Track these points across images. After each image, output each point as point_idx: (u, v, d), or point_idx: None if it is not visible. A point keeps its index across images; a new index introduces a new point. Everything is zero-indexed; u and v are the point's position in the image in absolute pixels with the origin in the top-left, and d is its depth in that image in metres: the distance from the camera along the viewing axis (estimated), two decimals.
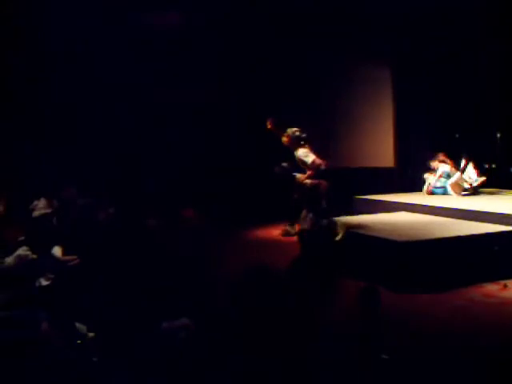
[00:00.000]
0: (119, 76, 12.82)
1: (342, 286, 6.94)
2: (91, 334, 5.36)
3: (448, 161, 11.62)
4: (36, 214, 7.03)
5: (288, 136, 10.10)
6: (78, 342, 5.24)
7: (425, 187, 11.81)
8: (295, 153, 10.01)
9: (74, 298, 5.74)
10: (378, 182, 12.17)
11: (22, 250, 5.92)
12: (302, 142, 10.23)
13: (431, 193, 11.58)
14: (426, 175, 11.84)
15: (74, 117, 12.86)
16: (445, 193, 11.42)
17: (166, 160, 13.01)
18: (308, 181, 9.53)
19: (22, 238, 6.23)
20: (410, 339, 5.60)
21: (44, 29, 12.37)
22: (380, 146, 13.73)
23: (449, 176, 11.42)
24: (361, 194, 11.54)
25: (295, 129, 10.09)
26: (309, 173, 9.66)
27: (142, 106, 13.43)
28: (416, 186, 12.04)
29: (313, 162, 9.66)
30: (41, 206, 7.12)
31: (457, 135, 12.04)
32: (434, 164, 11.70)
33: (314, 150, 10.10)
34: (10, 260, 5.88)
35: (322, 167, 9.82)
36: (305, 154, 9.81)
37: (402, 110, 13.59)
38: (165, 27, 13.39)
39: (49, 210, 7.10)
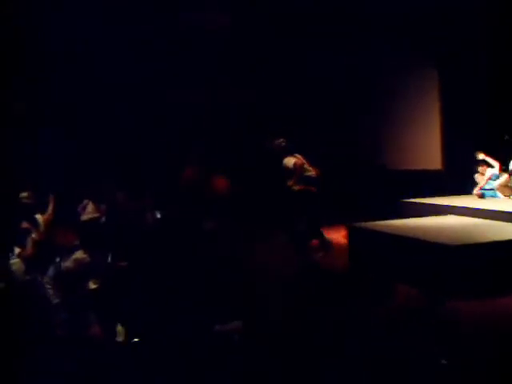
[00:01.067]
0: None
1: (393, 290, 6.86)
2: (136, 339, 5.33)
3: (490, 159, 11.45)
4: (85, 218, 6.90)
5: (275, 146, 9.98)
6: (135, 340, 5.27)
7: (474, 190, 11.64)
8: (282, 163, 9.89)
9: (118, 301, 5.69)
10: (425, 185, 12.00)
11: (79, 254, 5.84)
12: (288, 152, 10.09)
13: (481, 195, 11.44)
14: (476, 176, 11.70)
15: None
16: (495, 195, 11.22)
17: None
18: (296, 187, 9.45)
19: (77, 241, 6.13)
20: (461, 345, 5.43)
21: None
22: (427, 149, 13.65)
23: (498, 178, 11.29)
24: (408, 196, 11.38)
25: (281, 139, 9.96)
26: (294, 177, 9.57)
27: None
28: (464, 188, 11.87)
29: (294, 163, 9.58)
30: (89, 211, 6.99)
31: (506, 136, 11.70)
32: (482, 169, 11.57)
33: (307, 159, 9.99)
34: (68, 263, 5.81)
35: (313, 174, 9.73)
36: (287, 161, 9.70)
37: (448, 111, 13.50)
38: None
39: (97, 215, 6.98)
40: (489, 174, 11.36)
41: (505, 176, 11.12)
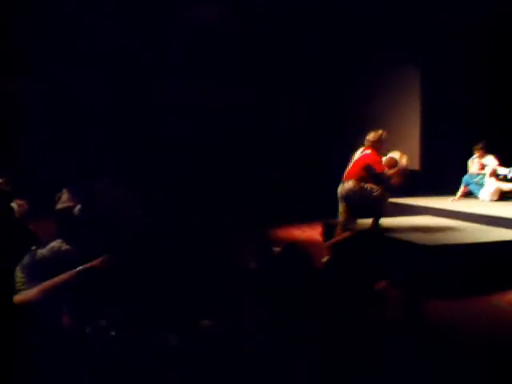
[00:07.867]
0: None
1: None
2: (112, 332, 5.27)
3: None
4: (59, 206, 6.80)
5: None
6: (113, 333, 5.05)
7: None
8: None
9: (94, 293, 5.61)
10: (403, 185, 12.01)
11: (56, 242, 5.77)
12: None
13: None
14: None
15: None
16: (476, 193, 11.20)
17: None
18: None
19: (53, 231, 6.07)
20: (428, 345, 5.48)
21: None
22: (405, 149, 13.64)
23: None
24: None
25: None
26: None
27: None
28: (440, 190, 11.83)
29: None
30: (64, 200, 6.89)
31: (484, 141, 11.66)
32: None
33: None
34: (44, 251, 5.72)
35: None
36: None
37: (428, 112, 13.47)
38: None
39: (71, 204, 6.87)
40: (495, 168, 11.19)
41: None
